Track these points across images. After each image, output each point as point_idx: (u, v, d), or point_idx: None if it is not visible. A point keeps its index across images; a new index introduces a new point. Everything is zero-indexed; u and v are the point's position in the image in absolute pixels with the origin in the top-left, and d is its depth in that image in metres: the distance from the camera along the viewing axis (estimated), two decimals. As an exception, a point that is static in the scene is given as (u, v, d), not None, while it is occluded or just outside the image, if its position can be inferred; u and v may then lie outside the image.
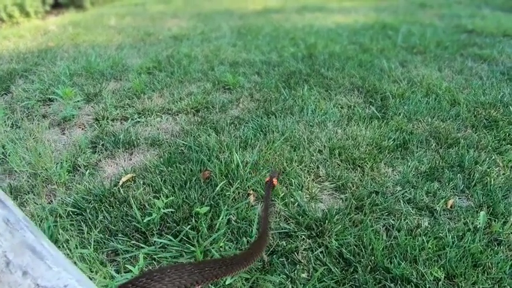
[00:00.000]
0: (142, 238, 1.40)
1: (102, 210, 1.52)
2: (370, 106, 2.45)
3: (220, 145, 1.98)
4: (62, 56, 3.71)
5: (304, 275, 1.24)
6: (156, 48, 3.98)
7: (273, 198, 1.58)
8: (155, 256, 1.31)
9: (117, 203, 1.56)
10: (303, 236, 1.39)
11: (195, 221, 1.45)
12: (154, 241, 1.37)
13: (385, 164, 1.84)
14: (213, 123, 2.25)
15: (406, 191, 1.62)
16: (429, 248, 1.31)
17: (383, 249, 1.31)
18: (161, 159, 1.89)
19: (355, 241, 1.35)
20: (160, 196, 1.56)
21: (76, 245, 1.34)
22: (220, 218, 1.45)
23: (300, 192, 1.63)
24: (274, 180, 1.30)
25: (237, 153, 1.84)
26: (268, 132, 2.11)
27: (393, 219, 1.47)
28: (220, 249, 1.34)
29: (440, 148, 1.96)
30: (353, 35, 4.40)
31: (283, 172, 1.75)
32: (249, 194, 1.63)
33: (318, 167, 1.80)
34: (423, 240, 1.34)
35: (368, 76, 2.94)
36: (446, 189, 1.64)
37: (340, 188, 1.67)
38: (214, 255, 1.31)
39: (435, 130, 2.11)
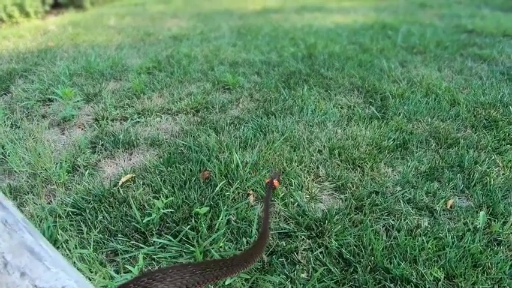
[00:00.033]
0: (142, 238, 1.40)
1: (102, 211, 1.52)
2: (370, 106, 2.45)
3: (220, 145, 1.98)
4: (61, 56, 3.71)
5: (303, 275, 1.24)
6: (155, 48, 3.98)
7: (272, 199, 1.58)
8: (155, 256, 1.31)
9: (117, 203, 1.56)
10: (303, 236, 1.39)
11: (195, 221, 1.45)
12: (154, 241, 1.37)
13: (385, 164, 1.83)
14: (213, 124, 2.25)
15: (406, 191, 1.62)
16: (429, 248, 1.31)
17: (383, 250, 1.31)
18: (161, 159, 1.89)
19: (355, 241, 1.35)
20: (159, 196, 1.56)
21: (75, 245, 1.34)
22: (220, 218, 1.45)
23: (299, 192, 1.63)
24: (275, 181, 1.30)
25: (236, 153, 1.84)
26: (268, 132, 2.11)
27: (393, 220, 1.47)
28: (220, 249, 1.34)
29: (440, 148, 1.96)
30: (353, 35, 4.40)
31: (282, 172, 1.74)
32: (248, 194, 1.63)
33: (317, 167, 1.80)
34: (423, 240, 1.34)
35: (368, 76, 2.94)
36: (446, 189, 1.63)
37: (340, 188, 1.67)
38: (214, 255, 1.31)
39: (435, 130, 2.11)
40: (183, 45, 4.01)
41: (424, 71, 3.09)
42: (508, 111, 2.29)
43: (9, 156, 1.89)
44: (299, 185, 1.68)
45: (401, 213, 1.50)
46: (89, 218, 1.49)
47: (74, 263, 1.27)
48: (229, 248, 1.35)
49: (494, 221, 1.45)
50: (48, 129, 2.28)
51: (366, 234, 1.36)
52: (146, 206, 1.54)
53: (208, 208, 1.50)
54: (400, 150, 1.94)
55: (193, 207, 1.51)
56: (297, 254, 1.32)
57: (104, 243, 1.38)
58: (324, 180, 1.73)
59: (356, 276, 1.22)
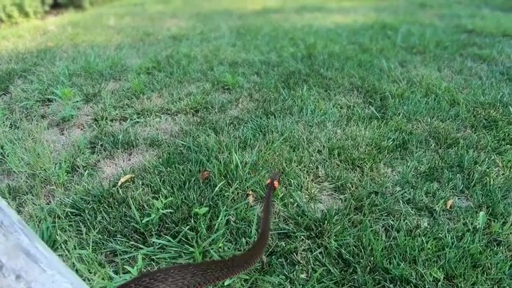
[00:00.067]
0: (141, 239, 1.40)
1: (101, 211, 1.52)
2: (370, 106, 2.45)
3: (220, 145, 1.98)
4: (61, 56, 3.71)
5: (303, 276, 1.24)
6: (155, 48, 3.97)
7: (272, 199, 1.58)
8: (154, 257, 1.31)
9: (116, 203, 1.56)
10: (302, 237, 1.39)
11: (194, 221, 1.45)
12: (153, 242, 1.37)
13: (384, 164, 1.83)
14: (212, 124, 2.25)
15: (405, 191, 1.62)
16: (428, 248, 1.31)
17: (382, 250, 1.31)
18: (160, 159, 1.88)
19: (355, 242, 1.35)
20: (159, 197, 1.56)
21: (74, 245, 1.34)
22: (219, 218, 1.45)
23: (299, 192, 1.62)
24: (275, 182, 1.30)
25: (236, 153, 1.84)
26: (268, 133, 2.11)
27: (392, 220, 1.47)
28: (219, 250, 1.34)
29: (440, 148, 1.96)
30: (352, 35, 4.40)
31: (282, 172, 1.74)
32: (248, 195, 1.62)
33: (317, 167, 1.80)
34: (422, 240, 1.34)
35: (367, 76, 2.94)
36: (445, 189, 1.63)
37: (340, 188, 1.67)
38: (213, 255, 1.31)
39: (434, 130, 2.11)
40: (182, 45, 4.01)
41: (423, 71, 3.09)
42: (508, 111, 2.29)
43: (8, 156, 1.89)
44: (298, 185, 1.67)
45: (401, 213, 1.49)
46: (88, 219, 1.48)
47: (73, 263, 1.27)
48: (229, 248, 1.35)
49: (494, 221, 1.45)
50: (48, 129, 2.27)
51: (365, 235, 1.36)
52: (145, 206, 1.54)
53: (207, 208, 1.49)
54: (400, 151, 1.94)
55: (193, 208, 1.50)
56: (297, 254, 1.32)
57: (103, 243, 1.38)
58: (323, 180, 1.73)
59: (355, 277, 1.22)
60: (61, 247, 1.33)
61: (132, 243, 1.37)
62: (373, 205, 1.53)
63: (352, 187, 1.66)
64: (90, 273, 1.24)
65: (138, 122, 2.33)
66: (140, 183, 1.69)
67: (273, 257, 1.31)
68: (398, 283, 1.19)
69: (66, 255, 1.30)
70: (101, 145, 2.04)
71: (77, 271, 1.25)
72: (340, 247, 1.33)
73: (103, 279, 1.22)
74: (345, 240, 1.36)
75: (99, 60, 3.43)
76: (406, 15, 5.71)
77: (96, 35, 4.66)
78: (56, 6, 7.11)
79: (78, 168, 1.84)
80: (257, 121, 2.25)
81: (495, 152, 1.90)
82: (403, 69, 3.16)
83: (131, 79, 2.93)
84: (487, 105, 2.38)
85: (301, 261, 1.29)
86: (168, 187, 1.64)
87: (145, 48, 3.98)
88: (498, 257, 1.27)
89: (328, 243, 1.35)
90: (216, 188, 1.61)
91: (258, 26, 4.98)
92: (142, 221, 1.42)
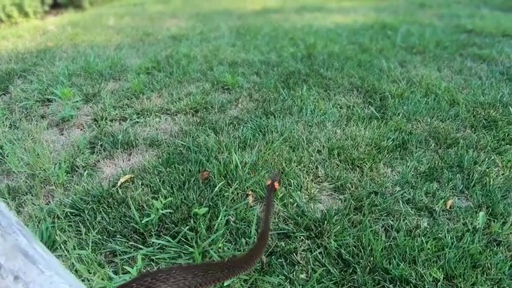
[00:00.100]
0: (141, 239, 1.40)
1: (101, 211, 1.52)
2: (369, 106, 2.45)
3: (219, 145, 1.98)
4: (60, 56, 3.71)
5: (302, 276, 1.24)
6: (155, 48, 3.97)
7: (273, 200, 1.58)
8: (153, 257, 1.31)
9: (116, 203, 1.56)
10: (302, 237, 1.39)
11: (194, 221, 1.45)
12: (153, 242, 1.37)
13: (384, 164, 1.83)
14: (212, 124, 2.25)
15: (405, 192, 1.62)
16: (428, 248, 1.31)
17: (382, 250, 1.31)
18: (160, 159, 1.88)
19: (354, 242, 1.35)
20: (158, 197, 1.56)
21: (74, 246, 1.34)
22: (219, 218, 1.45)
23: (298, 192, 1.62)
24: (276, 183, 1.30)
25: (235, 153, 1.84)
26: (267, 133, 2.10)
27: (392, 220, 1.47)
28: (219, 250, 1.34)
29: (440, 148, 1.96)
30: (352, 35, 4.40)
31: (282, 172, 1.74)
32: (247, 195, 1.62)
33: (316, 168, 1.80)
34: (422, 240, 1.34)
35: (367, 76, 2.94)
36: (445, 189, 1.63)
37: (339, 188, 1.67)
38: (213, 256, 1.31)
39: (434, 130, 2.11)
40: (182, 45, 4.01)
41: (423, 71, 3.09)
42: (508, 111, 2.29)
43: (7, 156, 1.88)
44: (298, 186, 1.67)
45: (401, 213, 1.49)
46: (87, 219, 1.48)
47: (73, 263, 1.26)
48: (228, 248, 1.35)
49: (494, 221, 1.45)
50: (47, 129, 2.27)
51: (365, 235, 1.36)
52: (145, 206, 1.54)
53: (207, 209, 1.49)
54: (400, 151, 1.94)
55: (192, 208, 1.50)
56: (296, 254, 1.32)
57: (102, 244, 1.38)
58: (323, 180, 1.73)
59: (355, 277, 1.22)
60: (60, 247, 1.33)
61: (131, 243, 1.37)
62: (372, 205, 1.53)
63: (352, 187, 1.66)
64: (90, 273, 1.24)
65: (137, 122, 2.33)
66: (140, 183, 1.69)
67: (273, 257, 1.31)
68: (398, 283, 1.19)
69: (66, 255, 1.30)
70: (101, 145, 2.04)
71: (76, 271, 1.25)
72: (340, 247, 1.33)
73: (102, 279, 1.22)
74: (344, 240, 1.36)
75: (99, 60, 3.43)
76: (405, 15, 5.71)
77: (96, 35, 4.66)
78: (55, 6, 7.11)
79: (78, 168, 1.84)
80: (257, 121, 2.25)
81: (495, 152, 1.90)
82: (403, 69, 3.16)
83: (131, 79, 2.93)
84: (486, 105, 2.38)
85: (300, 262, 1.29)
86: (167, 187, 1.64)
87: (145, 48, 3.98)
88: (498, 257, 1.27)
89: (327, 244, 1.34)
90: (216, 188, 1.61)
91: (257, 26, 4.98)
92: (142, 221, 1.42)
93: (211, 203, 1.55)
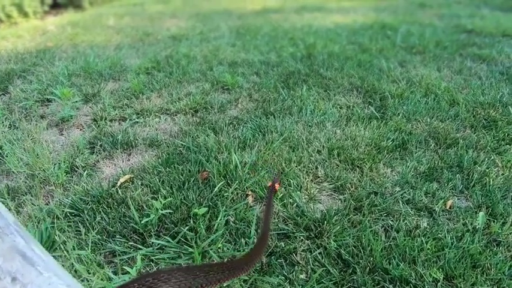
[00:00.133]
0: (140, 239, 1.39)
1: (100, 212, 1.51)
2: (369, 106, 2.45)
3: (219, 145, 1.97)
4: (60, 56, 3.71)
5: (302, 276, 1.24)
6: (154, 48, 3.97)
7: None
8: (153, 257, 1.31)
9: (115, 204, 1.56)
10: (302, 237, 1.39)
11: (193, 222, 1.45)
12: (152, 242, 1.36)
13: (384, 164, 1.83)
14: (212, 124, 2.24)
15: (405, 192, 1.62)
16: (428, 248, 1.31)
17: (382, 250, 1.30)
18: (159, 159, 1.88)
19: (354, 242, 1.35)
20: (158, 197, 1.55)
21: (73, 246, 1.34)
22: (219, 219, 1.45)
23: (298, 192, 1.62)
24: (276, 185, 1.30)
25: (235, 153, 1.84)
26: (267, 133, 2.10)
27: (392, 220, 1.47)
28: (219, 250, 1.34)
29: (439, 148, 1.96)
30: (352, 35, 4.40)
31: (281, 173, 1.74)
32: (247, 195, 1.62)
33: (316, 168, 1.79)
34: (422, 241, 1.34)
35: (367, 76, 2.94)
36: (445, 189, 1.63)
37: (339, 188, 1.67)
38: (213, 256, 1.31)
39: (434, 130, 2.11)
40: (182, 45, 4.01)
41: (423, 71, 3.09)
42: (507, 111, 2.29)
43: (7, 156, 1.88)
44: (298, 186, 1.67)
45: (400, 213, 1.49)
46: (87, 219, 1.48)
47: (72, 264, 1.26)
48: (228, 249, 1.35)
49: (494, 221, 1.44)
50: (47, 129, 2.27)
51: (364, 235, 1.36)
52: (144, 206, 1.53)
53: (206, 209, 1.49)
54: (399, 151, 1.94)
55: (192, 208, 1.50)
56: (296, 255, 1.31)
57: (102, 244, 1.38)
58: (322, 180, 1.73)
59: (355, 277, 1.22)
60: (60, 248, 1.33)
61: (131, 243, 1.37)
62: (372, 205, 1.53)
63: (352, 187, 1.65)
64: (89, 273, 1.24)
65: (137, 122, 2.33)
66: (139, 183, 1.69)
67: (273, 257, 1.30)
68: (398, 283, 1.19)
69: (65, 255, 1.29)
70: (100, 145, 2.04)
71: (75, 272, 1.25)
72: (340, 247, 1.33)
73: (102, 279, 1.22)
74: (344, 240, 1.36)
75: (99, 60, 3.42)
76: (405, 15, 5.71)
77: (96, 35, 4.66)
78: (55, 6, 7.11)
79: (77, 168, 1.84)
80: (256, 121, 2.24)
81: (495, 152, 1.90)
82: (403, 69, 3.16)
83: (130, 79, 2.93)
84: (486, 105, 2.38)
85: (300, 262, 1.29)
86: (167, 187, 1.64)
87: (144, 48, 3.98)
88: (498, 257, 1.27)
89: (327, 244, 1.34)
90: (216, 189, 1.61)
91: (257, 26, 4.98)
92: (142, 222, 1.42)
93: (210, 203, 1.55)
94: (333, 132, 2.11)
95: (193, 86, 2.87)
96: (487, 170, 1.74)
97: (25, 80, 3.02)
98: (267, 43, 4.06)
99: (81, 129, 2.28)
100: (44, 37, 4.61)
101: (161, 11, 6.74)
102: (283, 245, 1.35)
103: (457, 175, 1.72)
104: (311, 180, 1.72)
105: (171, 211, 1.49)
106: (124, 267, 1.26)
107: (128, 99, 2.61)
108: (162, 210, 1.46)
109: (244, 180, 1.68)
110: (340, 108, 2.44)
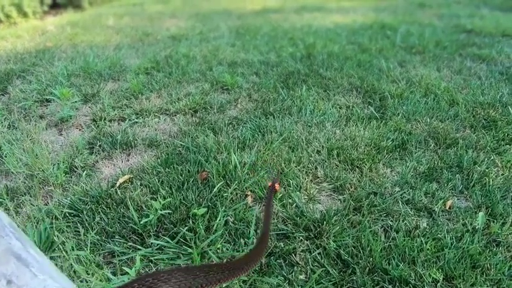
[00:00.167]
0: (139, 240, 1.39)
1: (99, 212, 1.51)
2: (369, 106, 2.45)
3: (218, 146, 1.97)
4: (59, 56, 3.70)
5: (301, 277, 1.24)
6: (154, 48, 3.97)
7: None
8: (152, 258, 1.30)
9: (114, 204, 1.55)
10: (301, 238, 1.39)
11: (193, 222, 1.45)
12: (151, 243, 1.36)
13: (383, 164, 1.83)
14: (211, 124, 2.24)
15: (404, 192, 1.62)
16: (428, 249, 1.30)
17: (381, 251, 1.30)
18: (159, 160, 1.88)
19: (353, 242, 1.35)
20: (157, 197, 1.55)
21: (72, 246, 1.33)
22: (218, 219, 1.45)
23: (298, 193, 1.62)
24: (276, 185, 1.30)
25: (235, 154, 1.83)
26: (266, 133, 2.10)
27: (391, 220, 1.47)
28: (218, 250, 1.34)
29: (439, 148, 1.95)
30: (352, 35, 4.39)
31: (281, 173, 1.74)
32: (246, 195, 1.62)
33: (316, 168, 1.79)
34: (422, 241, 1.34)
35: (367, 76, 2.93)
36: (444, 190, 1.63)
37: (339, 188, 1.67)
38: (212, 257, 1.30)
39: (434, 130, 2.10)
40: (181, 46, 4.00)
41: (423, 71, 3.09)
42: (507, 111, 2.29)
43: (6, 157, 1.88)
44: (297, 186, 1.67)
45: (400, 214, 1.49)
46: (86, 220, 1.48)
47: (71, 264, 1.26)
48: (227, 249, 1.35)
49: (493, 221, 1.44)
50: (46, 130, 2.27)
51: (364, 235, 1.36)
52: (144, 207, 1.53)
53: (206, 209, 1.49)
54: (399, 151, 1.94)
55: (191, 208, 1.50)
56: (295, 255, 1.31)
57: (101, 244, 1.37)
58: (322, 181, 1.72)
59: (354, 278, 1.21)
60: (59, 248, 1.33)
61: (130, 244, 1.36)
62: (372, 206, 1.53)
63: (351, 188, 1.65)
64: (88, 274, 1.23)
65: (136, 122, 2.32)
66: (138, 183, 1.68)
67: (272, 257, 1.30)
68: (397, 284, 1.19)
69: (64, 256, 1.29)
70: (99, 146, 2.03)
71: (74, 272, 1.24)
72: (339, 248, 1.33)
73: (101, 280, 1.21)
74: (343, 241, 1.35)
75: (98, 60, 3.42)
76: (405, 15, 5.71)
77: (95, 35, 4.65)
78: (54, 6, 7.10)
79: (77, 168, 1.83)
80: (256, 121, 2.24)
81: (494, 152, 1.90)
82: (402, 69, 3.16)
83: (130, 79, 2.93)
84: (486, 105, 2.38)
85: (299, 262, 1.28)
86: (166, 188, 1.64)
87: (144, 49, 3.97)
88: (497, 257, 1.27)
89: (327, 244, 1.34)
90: (215, 189, 1.61)
91: (257, 26, 4.98)
92: (141, 222, 1.42)
93: (210, 204, 1.54)
94: (332, 133, 2.11)
95: (192, 86, 2.87)
96: (487, 170, 1.73)
97: (24, 80, 3.02)
98: (267, 43, 4.06)
99: (80, 130, 2.28)
100: (44, 37, 4.61)
101: (161, 11, 6.73)
102: (283, 246, 1.35)
103: (457, 175, 1.72)
104: (310, 180, 1.72)
105: (170, 211, 1.49)
106: (123, 267, 1.26)
107: (127, 100, 2.61)
108: (161, 210, 1.46)
109: (244, 181, 1.67)
110: (340, 108, 2.43)
